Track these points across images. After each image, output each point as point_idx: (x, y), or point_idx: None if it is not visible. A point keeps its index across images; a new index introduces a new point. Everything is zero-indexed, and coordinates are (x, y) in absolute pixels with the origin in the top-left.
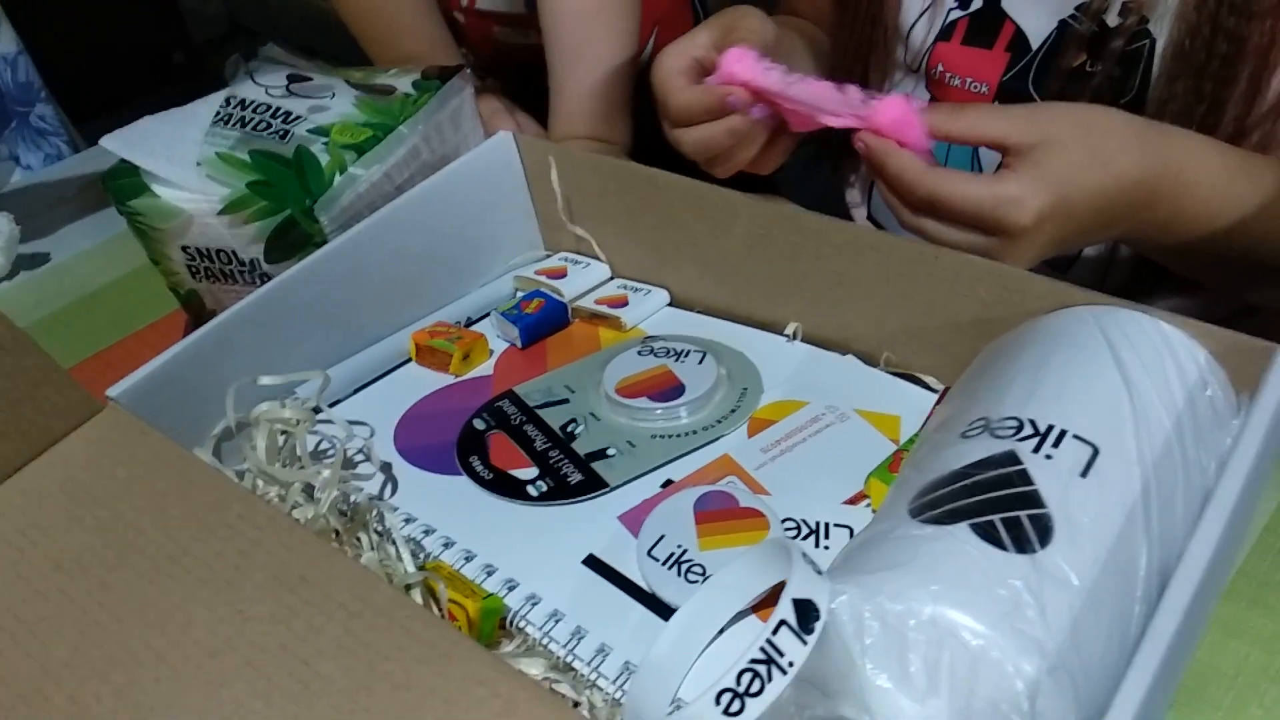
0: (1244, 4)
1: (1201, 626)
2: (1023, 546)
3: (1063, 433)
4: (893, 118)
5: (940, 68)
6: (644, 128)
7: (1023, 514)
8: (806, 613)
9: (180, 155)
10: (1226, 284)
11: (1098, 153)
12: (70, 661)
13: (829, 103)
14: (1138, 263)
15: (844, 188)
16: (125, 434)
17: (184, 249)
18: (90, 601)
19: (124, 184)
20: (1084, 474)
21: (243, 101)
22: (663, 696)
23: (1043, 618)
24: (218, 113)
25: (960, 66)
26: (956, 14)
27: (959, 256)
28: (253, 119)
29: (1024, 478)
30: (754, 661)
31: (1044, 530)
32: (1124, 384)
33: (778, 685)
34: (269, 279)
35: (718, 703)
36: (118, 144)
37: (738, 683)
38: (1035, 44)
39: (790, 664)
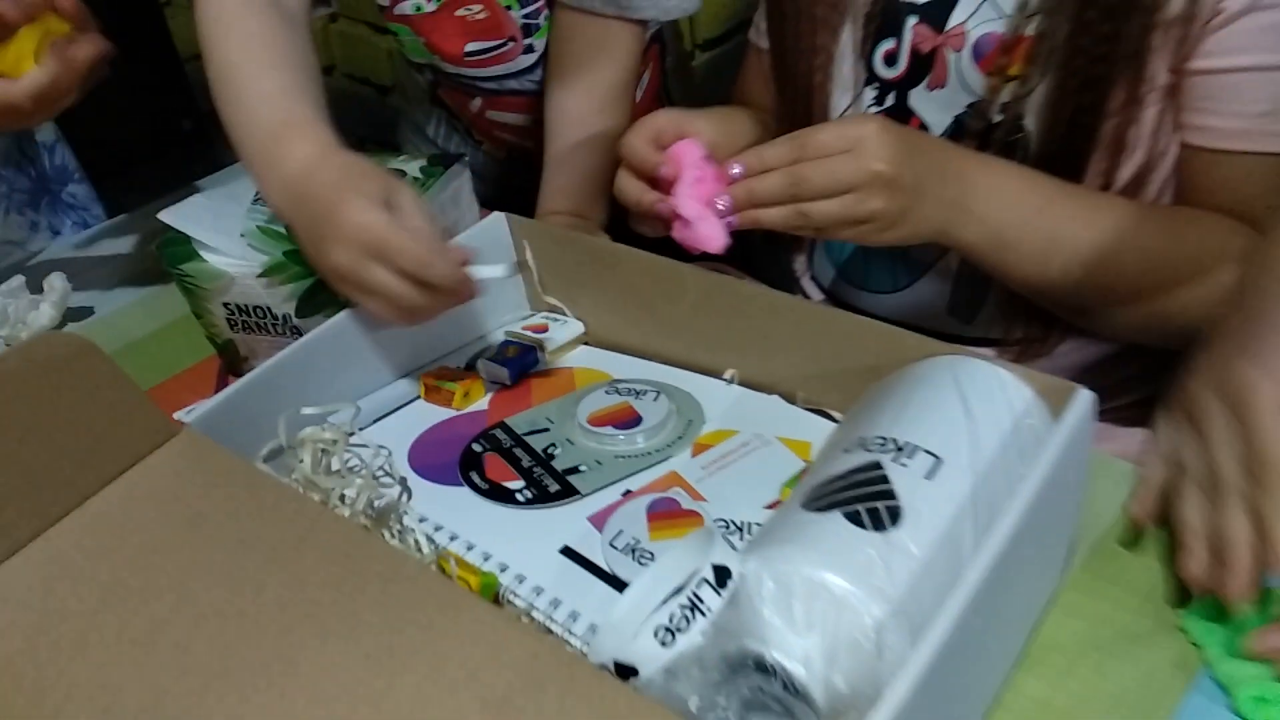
0: (1094, 106)
1: (1028, 601)
2: (878, 527)
3: (915, 447)
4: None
5: None
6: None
7: (880, 504)
8: (722, 575)
9: (226, 228)
10: (1089, 315)
11: (909, 141)
12: (171, 617)
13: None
14: (1030, 317)
15: (792, 258)
16: (200, 450)
17: (225, 305)
18: (184, 574)
19: (177, 250)
20: (929, 477)
21: None
22: (618, 646)
23: (889, 577)
24: (256, 193)
25: None
26: (874, 109)
27: (855, 319)
28: None
29: (884, 479)
30: (682, 608)
31: (895, 516)
32: (964, 413)
33: (699, 625)
34: (298, 331)
35: (655, 635)
36: (173, 217)
37: (670, 621)
38: (936, 134)
39: (709, 610)
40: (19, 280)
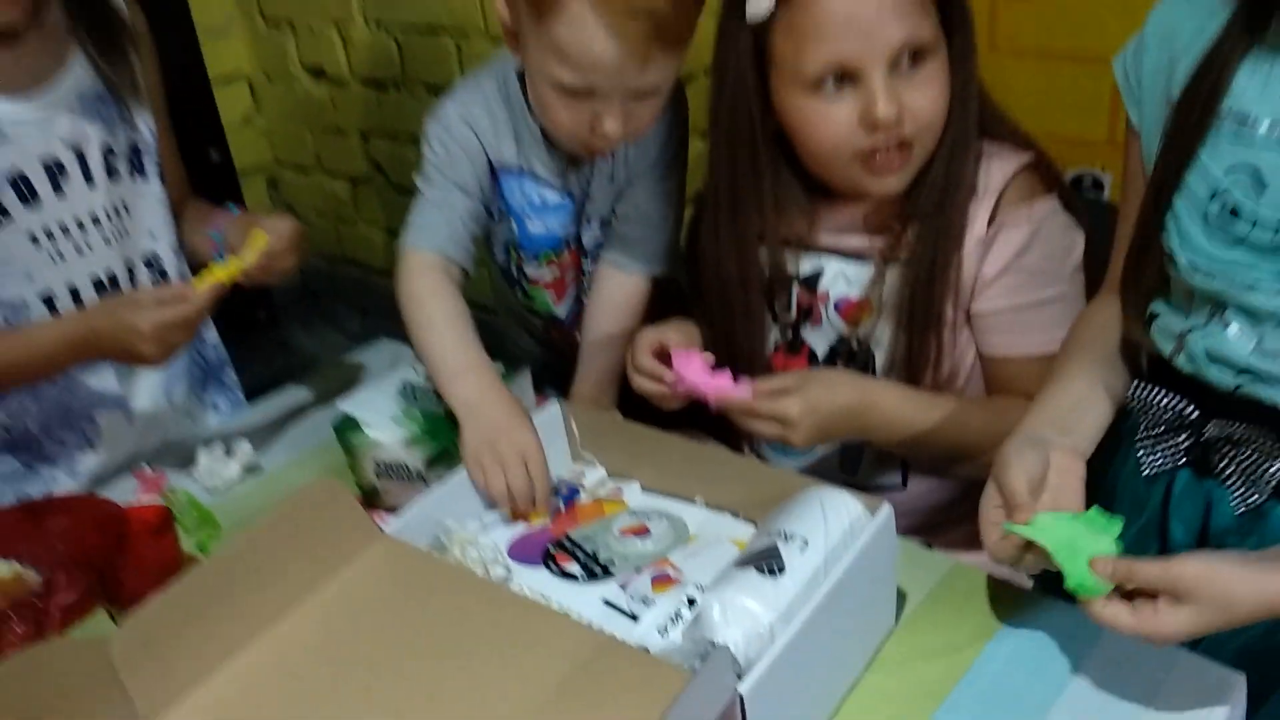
0: (919, 339)
1: (858, 630)
2: (772, 574)
3: (794, 534)
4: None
5: (777, 367)
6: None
7: (774, 563)
8: (692, 602)
9: (382, 412)
10: (933, 462)
11: (830, 385)
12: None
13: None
14: (892, 469)
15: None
16: (397, 547)
17: (375, 462)
18: (400, 620)
19: (347, 427)
20: (800, 551)
21: (412, 384)
22: (641, 638)
23: (776, 600)
24: (399, 389)
25: (787, 365)
26: (788, 337)
27: (776, 470)
28: (419, 392)
29: (776, 551)
30: (670, 619)
31: (780, 569)
32: (823, 517)
33: (679, 627)
34: (425, 481)
35: (658, 632)
36: (347, 405)
37: (664, 626)
38: (821, 355)
39: (685, 620)
40: (219, 446)
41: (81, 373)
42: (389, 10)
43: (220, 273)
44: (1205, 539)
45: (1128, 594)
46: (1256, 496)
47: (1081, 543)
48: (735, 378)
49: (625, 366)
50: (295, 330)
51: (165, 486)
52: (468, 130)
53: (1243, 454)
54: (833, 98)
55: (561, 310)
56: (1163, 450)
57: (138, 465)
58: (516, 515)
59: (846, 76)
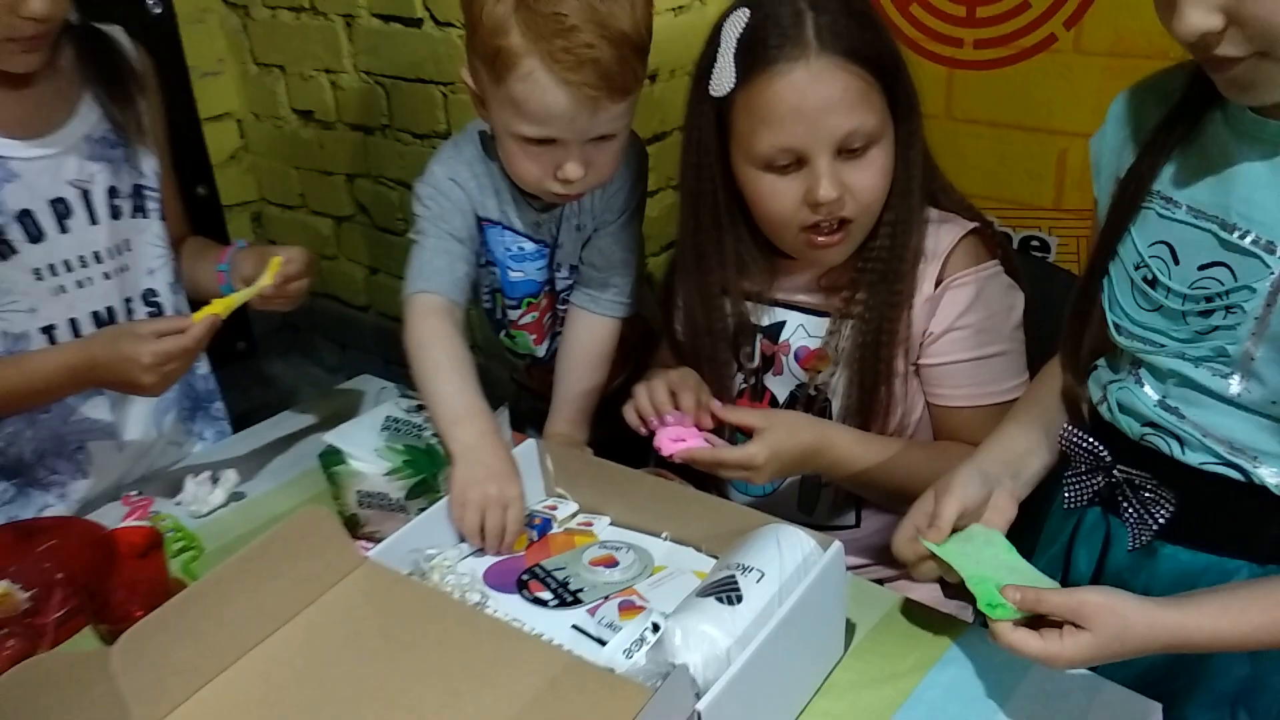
0: (871, 388)
1: (810, 656)
2: (730, 603)
3: (751, 567)
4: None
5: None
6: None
7: (731, 593)
8: (656, 627)
9: (365, 444)
10: (883, 500)
11: (791, 430)
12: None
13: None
14: (846, 508)
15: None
16: (377, 570)
17: (358, 492)
18: (379, 632)
19: (332, 458)
20: (757, 582)
21: (395, 419)
22: (609, 660)
23: (733, 627)
24: (383, 423)
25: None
26: (751, 383)
27: (737, 507)
28: (402, 426)
29: (734, 581)
30: (635, 643)
31: (738, 599)
32: (778, 551)
33: (644, 650)
34: (405, 510)
35: (623, 654)
36: (333, 437)
37: (630, 648)
38: (781, 400)
39: (649, 642)
40: (206, 474)
41: (76, 402)
42: (378, 61)
43: (218, 306)
44: (1102, 571)
45: (1034, 621)
46: (1147, 537)
47: (986, 566)
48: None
49: (602, 400)
50: (274, 362)
51: (151, 511)
52: (455, 187)
53: (1139, 497)
54: (781, 175)
55: (541, 350)
56: (1080, 488)
57: (125, 491)
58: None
59: (795, 158)
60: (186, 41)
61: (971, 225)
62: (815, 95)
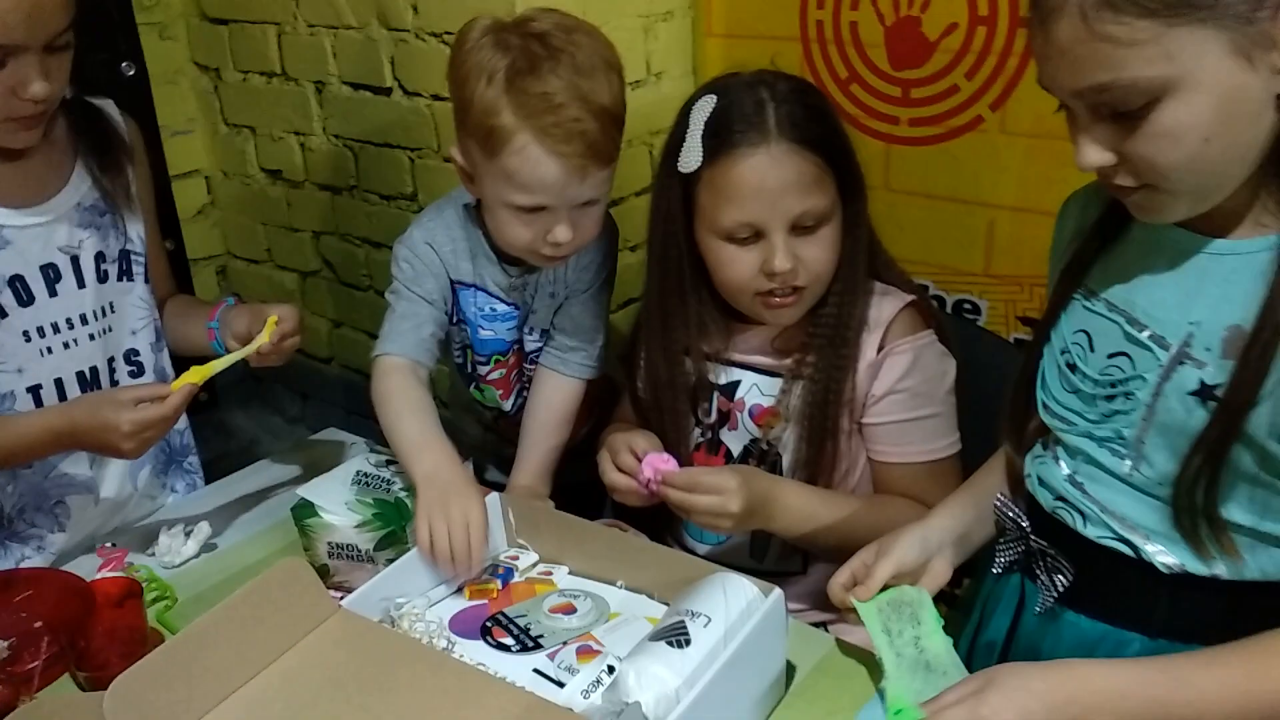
0: (818, 443)
1: (751, 696)
2: (679, 647)
3: (699, 612)
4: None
5: (697, 463)
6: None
7: (680, 637)
8: (611, 670)
9: (337, 498)
10: (829, 554)
11: (749, 480)
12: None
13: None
14: (794, 556)
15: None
16: (351, 618)
17: (329, 543)
18: (352, 671)
19: (304, 510)
20: (704, 626)
21: (365, 473)
22: (567, 700)
23: (682, 668)
24: (353, 477)
25: (706, 462)
26: (708, 437)
27: (687, 557)
28: (371, 481)
29: (683, 626)
30: (591, 684)
31: (686, 642)
32: (724, 598)
33: (600, 690)
34: (374, 561)
35: (581, 694)
36: (305, 491)
37: (587, 689)
38: (735, 454)
39: (604, 683)
40: (180, 526)
41: (57, 459)
42: (347, 125)
43: (195, 375)
44: (1015, 631)
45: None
46: (1051, 601)
47: (905, 649)
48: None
49: (567, 459)
50: (235, 412)
51: (126, 561)
52: (430, 251)
53: (1047, 565)
54: (741, 246)
55: (508, 405)
56: (1006, 554)
57: (99, 542)
58: (450, 571)
59: (754, 232)
60: (159, 101)
61: (910, 298)
62: (774, 178)
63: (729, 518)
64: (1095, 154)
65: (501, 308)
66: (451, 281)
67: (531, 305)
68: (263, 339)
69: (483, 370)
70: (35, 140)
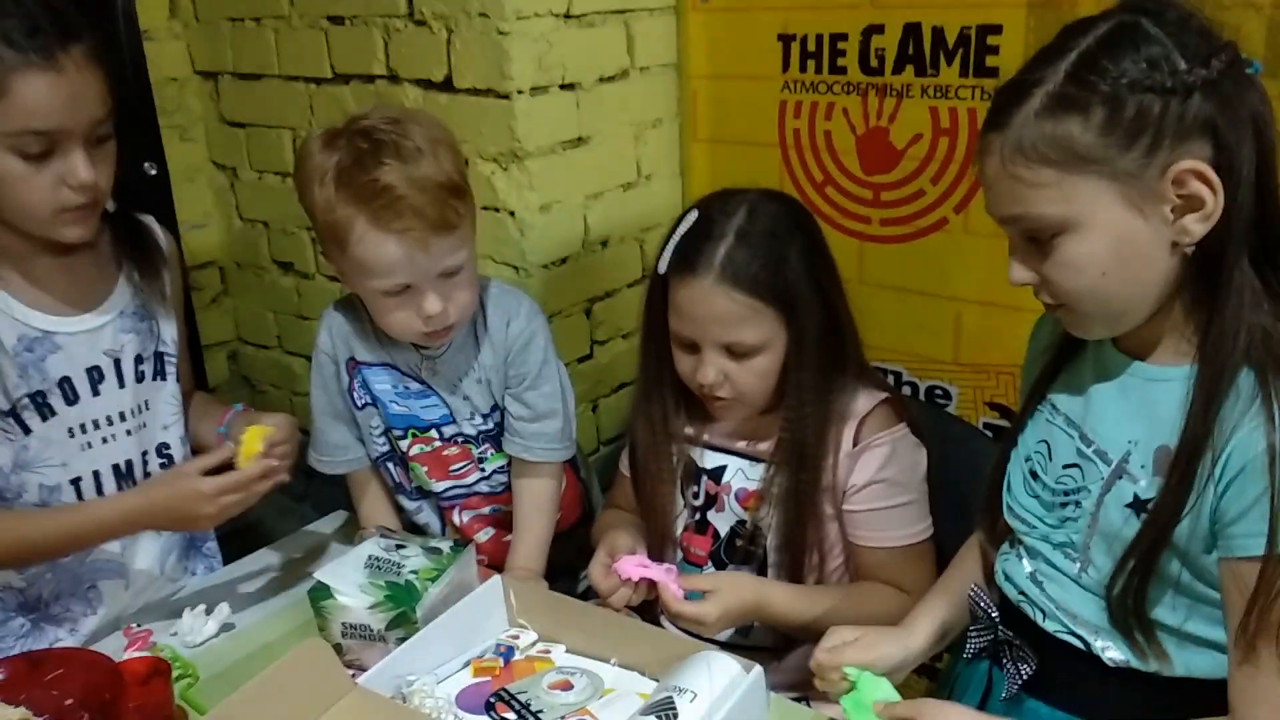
0: (799, 528)
1: None
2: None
3: (685, 688)
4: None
5: (685, 543)
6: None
7: (669, 710)
8: None
9: (351, 580)
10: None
11: (736, 589)
12: None
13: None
14: (778, 637)
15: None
16: (368, 695)
17: (343, 623)
18: None
19: (320, 593)
20: (690, 701)
21: (377, 557)
22: None
23: None
24: (365, 561)
25: (694, 542)
26: (696, 519)
27: (677, 636)
28: (383, 564)
29: (671, 702)
30: None
31: (674, 715)
32: (709, 675)
33: None
34: (385, 640)
35: None
36: (321, 574)
37: None
38: (723, 534)
39: None
40: (201, 607)
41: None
42: None
43: (253, 445)
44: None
45: None
46: (1014, 688)
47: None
48: (660, 560)
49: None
50: None
51: (150, 641)
52: (327, 339)
53: (1011, 654)
54: (684, 351)
55: (440, 487)
56: (975, 640)
57: (125, 622)
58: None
59: (692, 342)
60: (178, 197)
61: (883, 395)
62: (704, 308)
63: (710, 629)
64: (1020, 273)
65: (414, 385)
66: (356, 362)
67: (462, 392)
68: (256, 449)
69: (404, 445)
70: (89, 235)
